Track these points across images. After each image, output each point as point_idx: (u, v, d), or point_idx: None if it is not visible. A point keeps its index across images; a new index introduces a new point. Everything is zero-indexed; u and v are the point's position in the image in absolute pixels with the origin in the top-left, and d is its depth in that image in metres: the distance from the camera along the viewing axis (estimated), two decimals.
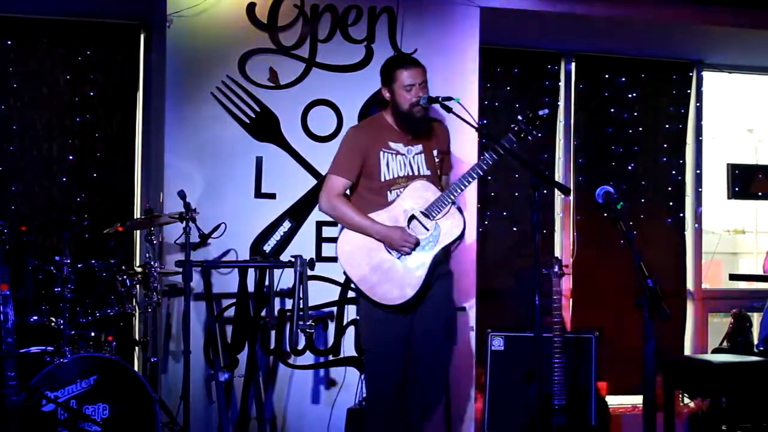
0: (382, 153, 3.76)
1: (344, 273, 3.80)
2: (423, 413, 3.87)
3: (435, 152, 3.84)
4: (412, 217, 3.69)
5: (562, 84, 5.78)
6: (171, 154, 4.46)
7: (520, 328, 4.79)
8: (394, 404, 3.78)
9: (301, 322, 4.03)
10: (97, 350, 4.01)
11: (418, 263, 3.67)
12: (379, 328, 3.76)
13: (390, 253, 3.68)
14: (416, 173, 3.77)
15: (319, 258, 4.56)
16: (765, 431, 4.85)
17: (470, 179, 3.70)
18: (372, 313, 3.75)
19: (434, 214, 3.67)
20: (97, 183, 5.05)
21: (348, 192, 3.85)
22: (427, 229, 3.68)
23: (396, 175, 3.76)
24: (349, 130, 3.93)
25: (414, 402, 3.83)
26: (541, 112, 3.69)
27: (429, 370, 3.82)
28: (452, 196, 3.68)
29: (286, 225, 4.59)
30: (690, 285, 5.97)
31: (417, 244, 3.65)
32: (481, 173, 3.73)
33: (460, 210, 3.75)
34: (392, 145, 3.78)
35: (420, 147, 3.81)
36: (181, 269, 3.98)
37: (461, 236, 3.73)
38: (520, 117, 3.73)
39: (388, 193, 3.75)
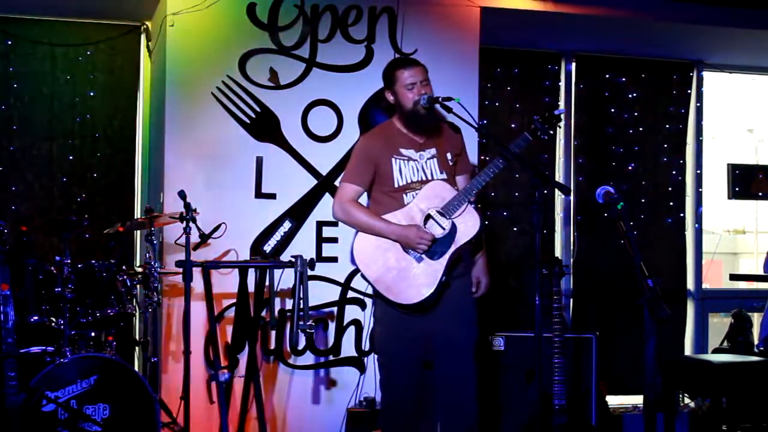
0: (393, 160, 3.74)
1: (362, 275, 3.77)
2: (450, 422, 3.76)
3: (449, 155, 3.82)
4: (428, 217, 3.67)
5: (562, 84, 5.78)
6: (171, 154, 4.47)
7: (520, 328, 4.79)
8: (411, 409, 3.73)
9: (301, 322, 4.03)
10: (98, 350, 4.00)
11: (435, 262, 3.64)
12: (394, 329, 3.71)
13: (407, 252, 3.66)
14: (430, 177, 3.74)
15: (320, 258, 4.56)
16: (765, 431, 4.85)
17: (486, 179, 3.68)
18: (389, 314, 3.70)
19: (450, 213, 3.66)
20: (97, 183, 5.05)
21: (366, 195, 3.83)
22: (444, 228, 3.66)
23: (409, 181, 3.73)
24: (360, 139, 3.93)
25: (437, 409, 3.76)
26: (557, 112, 3.67)
27: (451, 372, 3.73)
28: (468, 196, 3.67)
29: (287, 225, 4.59)
30: (690, 285, 5.97)
31: (433, 241, 3.63)
32: (497, 171, 3.71)
33: (476, 209, 3.73)
34: (403, 151, 3.75)
35: (432, 151, 3.79)
36: (181, 269, 3.98)
37: (479, 234, 3.71)
38: (536, 117, 3.71)
39: (404, 196, 3.73)
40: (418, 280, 3.63)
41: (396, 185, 3.73)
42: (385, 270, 3.66)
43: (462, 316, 3.76)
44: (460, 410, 3.73)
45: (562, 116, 3.75)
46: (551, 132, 3.75)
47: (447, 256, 3.64)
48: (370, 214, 3.73)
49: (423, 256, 3.64)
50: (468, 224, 3.66)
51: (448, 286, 3.69)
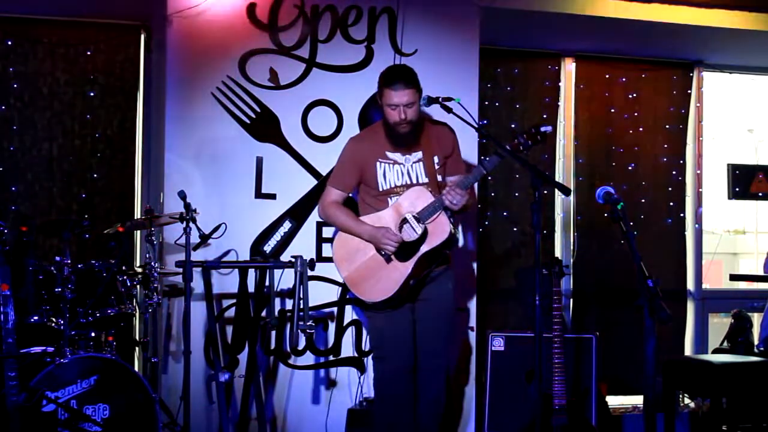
0: (378, 163, 3.82)
1: (339, 272, 3.89)
2: (426, 415, 3.90)
3: (436, 158, 3.85)
4: (405, 221, 3.76)
5: (562, 84, 5.78)
6: (171, 154, 4.47)
7: (520, 328, 4.79)
8: (404, 401, 3.81)
9: (301, 323, 4.03)
10: (98, 350, 4.00)
11: (401, 265, 3.76)
12: (386, 324, 3.83)
13: (380, 253, 3.78)
14: (414, 182, 3.83)
15: (320, 258, 4.56)
16: (766, 431, 4.85)
17: (469, 184, 3.74)
18: (372, 314, 3.87)
19: (425, 219, 3.74)
20: (97, 183, 5.05)
21: (352, 196, 3.93)
22: (416, 233, 3.75)
23: (393, 185, 3.83)
24: (348, 142, 4.00)
25: (417, 405, 3.87)
26: (543, 129, 3.64)
27: (426, 371, 3.88)
28: (443, 204, 3.71)
29: (287, 225, 4.59)
30: (690, 285, 5.97)
31: (400, 242, 3.70)
32: (475, 182, 3.80)
33: (449, 216, 3.77)
34: (389, 155, 3.83)
35: (419, 154, 3.83)
36: (181, 269, 3.98)
37: (448, 242, 3.76)
38: (522, 135, 3.64)
39: (389, 200, 3.84)
40: (384, 279, 3.77)
41: (380, 189, 3.82)
42: (355, 269, 3.81)
43: (437, 318, 3.89)
44: (422, 413, 3.89)
45: (548, 133, 3.69)
46: (532, 147, 3.71)
47: (414, 259, 3.75)
48: (347, 215, 3.88)
49: (392, 257, 3.76)
50: (438, 231, 3.76)
51: (423, 283, 3.82)
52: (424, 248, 3.75)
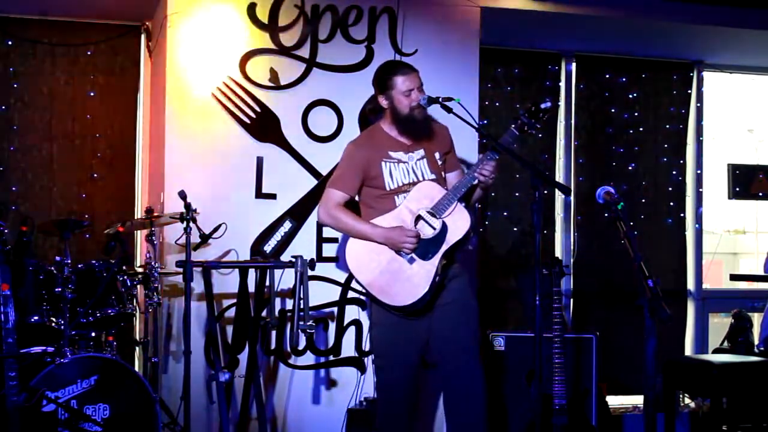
0: (384, 163, 3.74)
1: (355, 280, 3.79)
2: (459, 422, 3.76)
3: (437, 155, 3.84)
4: (419, 218, 3.68)
5: (562, 84, 5.78)
6: (171, 154, 4.46)
7: (521, 328, 4.79)
8: (407, 410, 3.76)
9: (301, 323, 4.03)
10: (98, 350, 4.00)
11: (427, 262, 3.63)
12: (391, 333, 3.71)
13: (399, 254, 3.65)
14: (420, 179, 3.75)
15: (320, 258, 4.56)
16: (766, 431, 4.85)
17: (474, 178, 3.70)
18: (385, 317, 3.72)
19: (440, 213, 3.66)
20: (97, 183, 5.05)
21: (357, 199, 3.85)
22: (434, 228, 3.66)
23: (400, 184, 3.74)
24: (348, 146, 3.90)
25: (451, 407, 3.75)
26: (543, 105, 3.66)
27: (459, 374, 3.72)
28: (458, 194, 3.67)
29: (287, 225, 4.59)
30: (690, 285, 5.97)
31: (419, 239, 3.63)
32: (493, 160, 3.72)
33: (467, 207, 3.73)
34: (393, 154, 3.77)
35: (421, 152, 3.80)
36: (181, 269, 3.98)
37: (470, 233, 3.70)
38: (522, 111, 3.72)
39: (396, 198, 3.74)
40: (411, 281, 3.63)
41: (387, 188, 3.74)
42: (378, 273, 3.66)
43: (463, 316, 3.76)
44: (468, 411, 3.72)
45: (549, 108, 3.69)
46: (538, 126, 3.72)
47: (439, 255, 3.64)
48: (356, 218, 3.76)
49: (414, 256, 3.64)
50: (458, 223, 3.66)
51: (442, 286, 3.69)
52: (451, 241, 3.63)
